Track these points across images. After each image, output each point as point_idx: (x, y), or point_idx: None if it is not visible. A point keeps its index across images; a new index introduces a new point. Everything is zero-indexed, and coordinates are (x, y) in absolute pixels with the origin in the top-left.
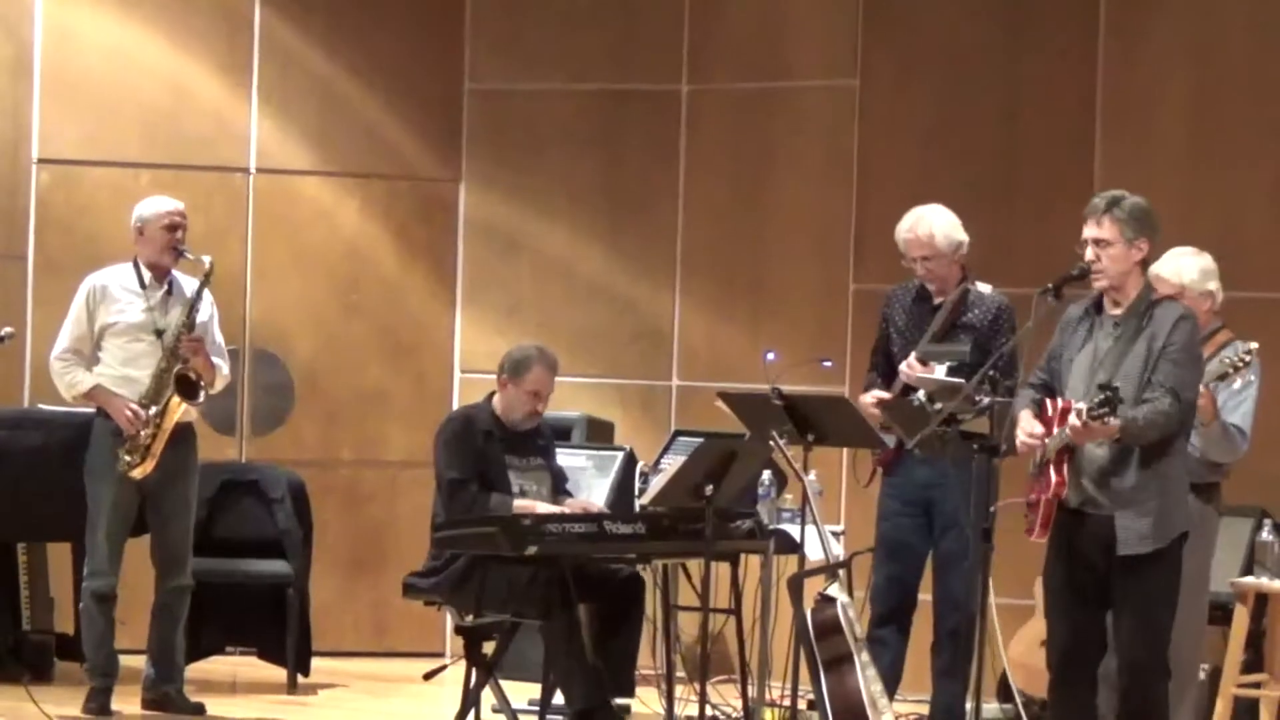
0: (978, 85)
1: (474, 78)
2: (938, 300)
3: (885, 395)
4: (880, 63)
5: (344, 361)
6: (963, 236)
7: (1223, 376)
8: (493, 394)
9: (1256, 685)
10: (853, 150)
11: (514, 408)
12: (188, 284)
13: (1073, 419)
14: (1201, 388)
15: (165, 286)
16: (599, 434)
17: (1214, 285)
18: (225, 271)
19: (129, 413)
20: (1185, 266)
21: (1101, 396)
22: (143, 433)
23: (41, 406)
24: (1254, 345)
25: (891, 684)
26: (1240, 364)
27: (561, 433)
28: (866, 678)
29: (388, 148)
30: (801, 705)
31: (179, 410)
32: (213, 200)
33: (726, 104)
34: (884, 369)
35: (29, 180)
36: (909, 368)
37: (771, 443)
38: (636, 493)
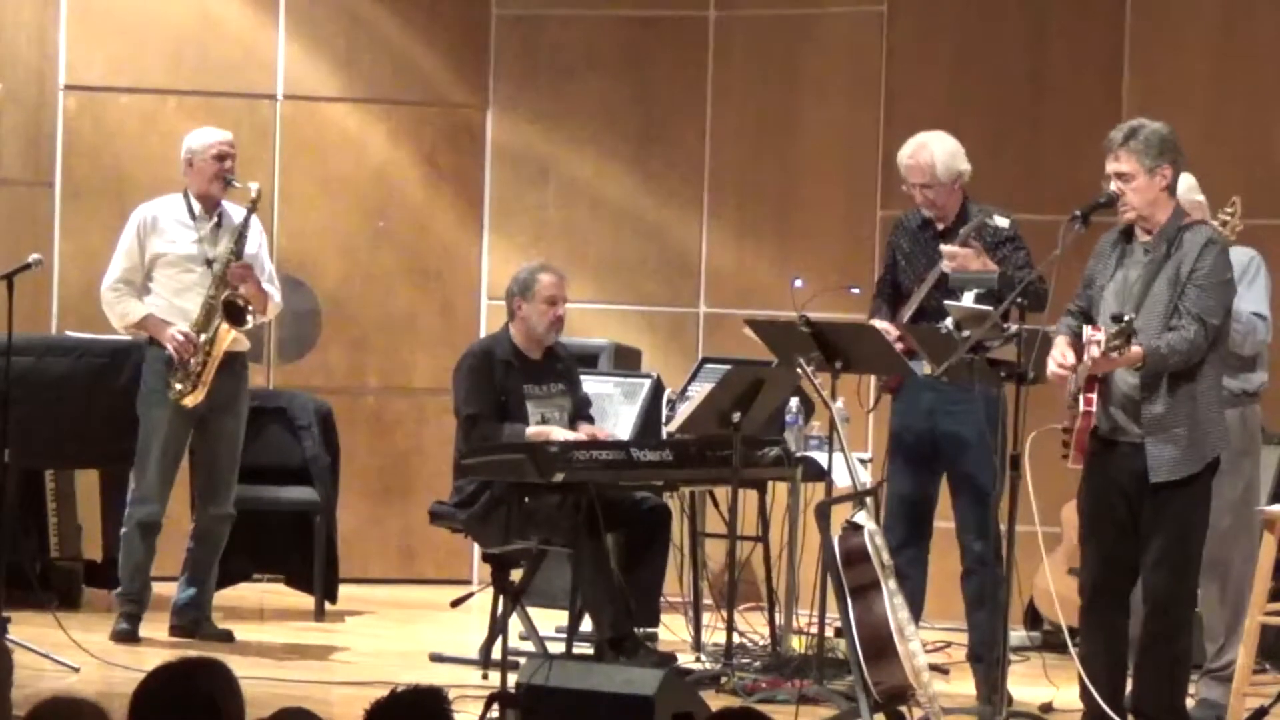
0: (1005, 9)
1: (502, 3)
2: (941, 227)
3: (893, 330)
4: None
5: (371, 288)
6: (964, 166)
7: None
8: (508, 324)
9: None
10: (880, 76)
11: (535, 325)
12: (236, 214)
13: (1093, 349)
14: None
15: (215, 218)
16: (626, 361)
17: (1200, 197)
18: None
19: (180, 338)
20: None
21: (1116, 328)
22: (193, 360)
23: (69, 334)
24: (1236, 199)
25: (914, 613)
26: (1226, 218)
27: (588, 360)
28: (894, 605)
29: (415, 74)
30: (828, 633)
31: (228, 337)
32: (240, 127)
33: (754, 29)
34: (890, 297)
35: (56, 107)
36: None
37: (799, 370)
38: (664, 420)
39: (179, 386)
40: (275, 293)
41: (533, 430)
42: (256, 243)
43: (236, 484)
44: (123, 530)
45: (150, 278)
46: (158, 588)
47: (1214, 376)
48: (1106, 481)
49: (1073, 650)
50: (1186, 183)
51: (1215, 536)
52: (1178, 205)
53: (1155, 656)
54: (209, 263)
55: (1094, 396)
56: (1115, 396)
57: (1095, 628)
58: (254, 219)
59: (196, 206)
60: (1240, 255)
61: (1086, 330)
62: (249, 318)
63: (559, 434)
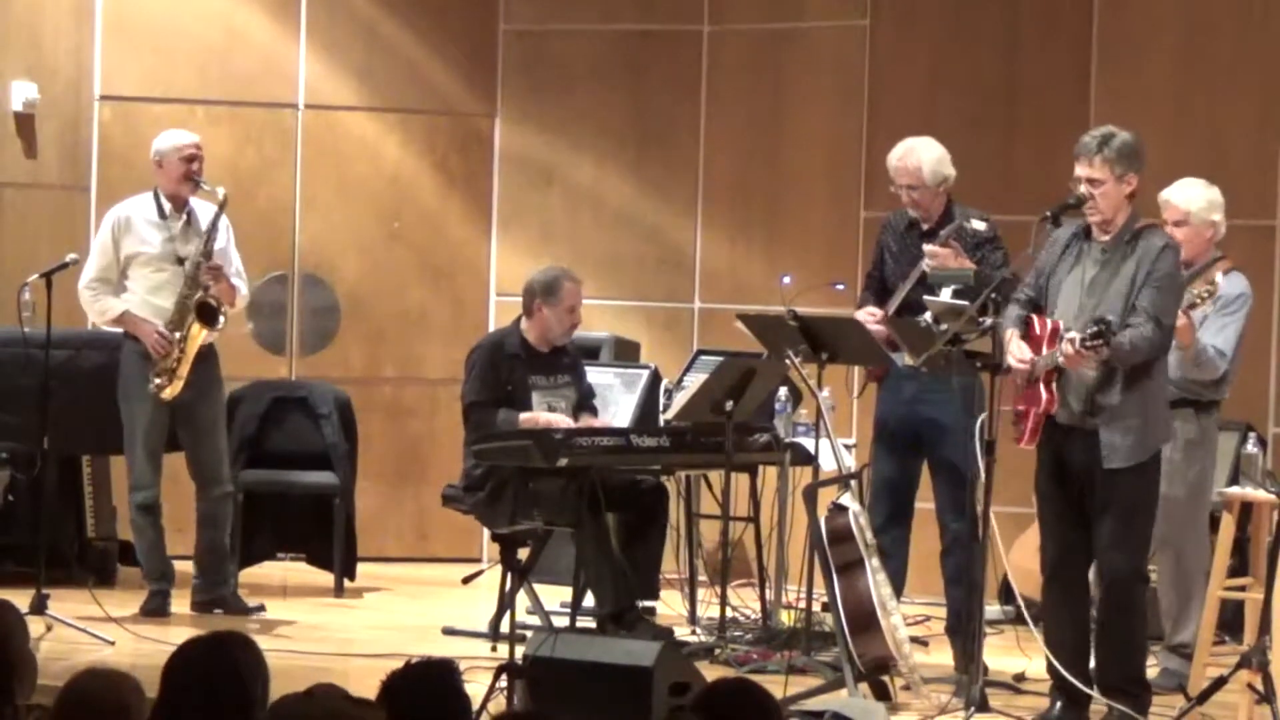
0: (980, 24)
1: (509, 19)
2: (925, 227)
3: (877, 311)
4: (888, 3)
5: (387, 285)
6: (949, 171)
7: (1191, 306)
8: (520, 318)
9: (1241, 589)
10: (863, 86)
11: (553, 327)
12: (204, 211)
13: (1065, 346)
14: (1180, 313)
15: (184, 217)
16: (625, 353)
17: (1218, 217)
18: (275, 202)
19: (157, 336)
20: (1194, 195)
21: (1095, 329)
22: (169, 356)
23: (104, 329)
24: (1218, 278)
25: (896, 589)
26: (1205, 295)
27: (590, 352)
28: (876, 581)
29: (428, 85)
30: (816, 607)
31: (200, 336)
32: (264, 134)
33: (745, 42)
34: (878, 290)
35: (92, 116)
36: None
37: (787, 361)
38: (661, 408)
39: (157, 380)
40: (242, 285)
41: (525, 416)
42: (225, 238)
43: (228, 463)
44: (130, 518)
45: (125, 275)
46: (187, 565)
47: (1162, 374)
48: (1063, 466)
49: (1034, 629)
50: (1207, 198)
51: (1169, 519)
52: (1132, 210)
53: (1113, 631)
54: (180, 260)
55: (1054, 385)
56: (1072, 386)
57: (1058, 604)
58: (223, 218)
59: (166, 206)
60: (1235, 285)
61: (1050, 321)
62: (221, 318)
63: (547, 418)
